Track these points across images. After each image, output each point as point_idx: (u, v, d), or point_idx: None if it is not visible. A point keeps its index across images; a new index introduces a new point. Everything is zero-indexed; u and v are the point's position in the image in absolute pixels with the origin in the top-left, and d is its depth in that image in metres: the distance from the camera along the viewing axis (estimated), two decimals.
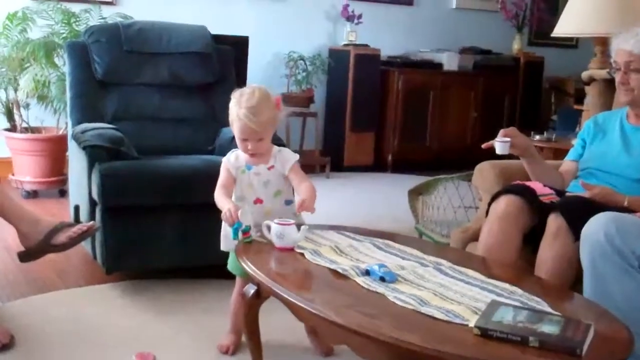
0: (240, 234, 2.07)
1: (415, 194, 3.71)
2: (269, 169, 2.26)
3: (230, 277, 2.36)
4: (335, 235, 2.22)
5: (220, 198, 2.19)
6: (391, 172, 6.18)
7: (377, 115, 6.17)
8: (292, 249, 2.03)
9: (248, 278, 2.09)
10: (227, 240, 2.24)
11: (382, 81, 6.14)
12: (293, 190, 2.31)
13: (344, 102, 6.04)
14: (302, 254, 2.00)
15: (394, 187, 5.37)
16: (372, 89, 6.06)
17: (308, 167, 5.73)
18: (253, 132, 2.19)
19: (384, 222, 4.23)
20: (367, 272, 1.84)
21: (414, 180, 4.15)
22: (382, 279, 1.79)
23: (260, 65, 5.81)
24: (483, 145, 2.43)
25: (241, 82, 4.93)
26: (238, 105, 2.19)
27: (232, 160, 2.28)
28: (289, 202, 2.30)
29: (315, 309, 1.62)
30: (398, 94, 6.16)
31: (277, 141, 3.42)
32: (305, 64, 5.89)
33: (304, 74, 5.89)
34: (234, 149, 2.32)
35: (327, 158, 5.85)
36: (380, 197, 5.18)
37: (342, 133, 6.07)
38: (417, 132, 6.32)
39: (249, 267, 1.89)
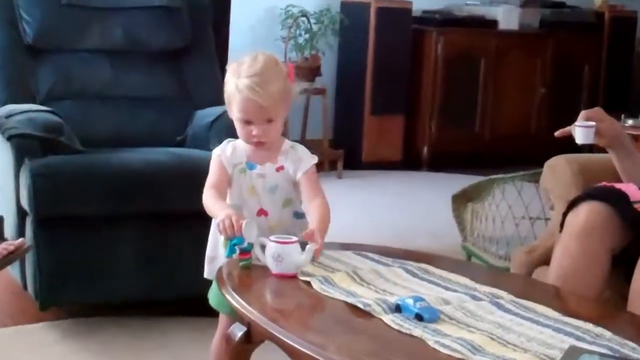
0: (236, 253, 2.07)
1: (461, 200, 3.72)
2: (277, 169, 2.24)
3: (210, 313, 2.36)
4: (352, 258, 2.22)
5: (212, 201, 2.17)
6: (427, 171, 6.18)
7: (408, 93, 6.17)
8: (294, 276, 2.03)
9: (236, 316, 2.09)
10: (214, 263, 2.24)
11: (415, 46, 6.15)
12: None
13: (362, 75, 6.05)
14: (309, 283, 2.00)
15: (432, 191, 5.38)
16: (401, 57, 6.07)
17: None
18: (259, 110, 2.15)
19: (418, 239, 4.23)
20: (398, 308, 1.84)
21: (459, 182, 4.16)
22: (419, 317, 1.79)
23: (248, 24, 5.83)
24: (557, 133, 2.43)
25: (221, 47, 4.95)
26: (237, 75, 2.16)
27: (227, 154, 2.24)
28: (299, 216, 2.29)
29: (328, 358, 1.62)
30: (436, 63, 6.17)
31: None
32: (308, 22, 5.90)
33: (307, 36, 5.90)
34: (229, 139, 2.28)
35: (340, 151, 5.86)
36: (412, 204, 5.18)
37: (360, 117, 6.08)
38: (462, 115, 6.32)
39: (236, 301, 1.89)
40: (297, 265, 2.04)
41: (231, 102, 2.19)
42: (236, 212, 2.10)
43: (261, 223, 2.20)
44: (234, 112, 2.19)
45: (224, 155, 2.23)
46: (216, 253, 2.23)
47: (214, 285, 2.25)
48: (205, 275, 2.27)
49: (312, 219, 2.16)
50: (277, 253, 2.03)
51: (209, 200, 2.18)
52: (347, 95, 6.20)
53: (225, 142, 2.27)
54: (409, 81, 6.15)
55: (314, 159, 2.26)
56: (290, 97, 2.24)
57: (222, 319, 2.33)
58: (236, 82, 2.15)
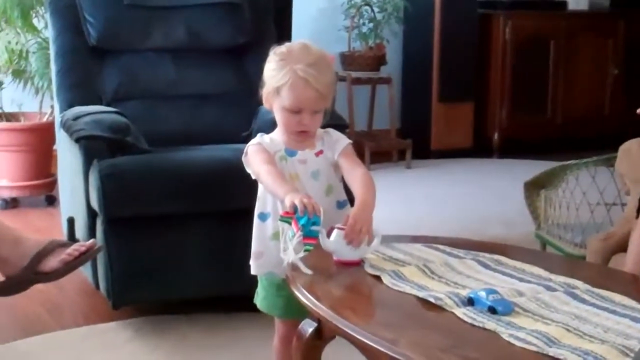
0: (302, 235, 1.97)
1: (534, 187, 3.67)
2: (316, 154, 2.25)
3: None
4: (423, 250, 2.21)
5: (274, 179, 2.12)
6: (499, 157, 6.14)
7: (476, 79, 6.13)
8: (357, 263, 2.05)
9: (291, 320, 2.10)
10: (262, 259, 2.23)
11: (482, 30, 6.11)
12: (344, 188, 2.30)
13: (429, 62, 6.02)
14: (379, 278, 2.00)
15: (504, 179, 5.34)
16: (468, 42, 6.03)
17: (382, 154, 5.75)
18: (313, 99, 2.14)
19: (491, 229, 4.21)
20: (471, 301, 1.83)
21: (531, 168, 4.11)
22: (492, 310, 1.78)
23: (309, 15, 5.84)
24: (639, 111, 2.39)
25: (284, 41, 4.96)
26: (289, 61, 2.14)
27: (266, 141, 2.24)
28: (342, 204, 2.29)
29: (400, 353, 1.62)
30: (505, 47, 6.12)
31: (338, 120, 3.46)
32: (372, 10, 5.89)
33: (371, 25, 5.89)
34: (260, 134, 2.28)
35: (408, 141, 5.85)
36: (484, 193, 5.15)
37: (428, 105, 6.06)
38: (533, 99, 6.26)
39: (305, 297, 1.90)
40: (360, 253, 2.05)
41: (280, 90, 2.15)
42: (305, 193, 2.07)
43: None
44: (283, 100, 2.15)
45: (264, 143, 2.23)
46: (263, 248, 2.22)
47: (261, 289, 2.29)
48: (253, 271, 2.26)
49: (356, 189, 2.17)
50: (342, 240, 2.04)
51: (269, 177, 2.13)
52: (413, 84, 6.18)
53: (257, 136, 2.27)
54: (477, 67, 6.11)
55: (348, 140, 2.28)
56: (335, 89, 2.26)
57: (279, 324, 2.33)
58: (293, 69, 2.12)
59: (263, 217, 2.23)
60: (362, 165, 2.27)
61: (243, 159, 2.24)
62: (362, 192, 2.15)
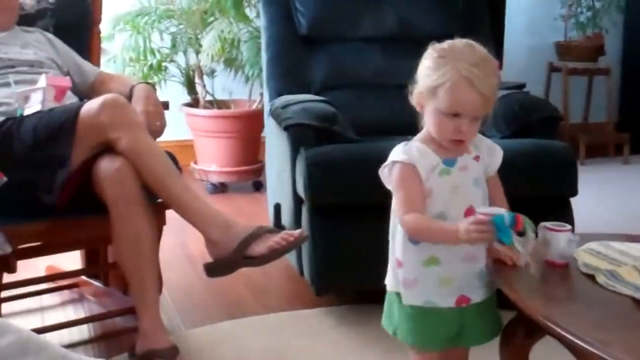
0: (511, 233, 1.83)
1: None
2: (475, 159, 2.02)
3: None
4: (639, 250, 2.14)
5: (431, 227, 1.93)
6: None
7: None
8: (565, 265, 2.00)
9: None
10: (417, 288, 2.00)
11: None
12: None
13: None
14: (593, 277, 1.95)
15: None
16: None
17: (597, 148, 5.58)
18: (475, 103, 1.90)
19: None
20: None
21: None
22: None
23: (525, 4, 5.74)
24: None
25: (498, 30, 4.91)
26: (450, 59, 1.92)
27: (416, 156, 1.97)
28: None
29: (613, 355, 1.57)
30: None
31: (553, 112, 3.37)
32: None
33: (589, 13, 5.73)
34: (404, 142, 2.02)
35: (626, 135, 5.66)
36: None
37: None
38: None
39: (516, 294, 1.87)
40: (561, 255, 2.02)
41: (437, 89, 1.92)
42: (465, 221, 1.86)
43: None
44: (440, 102, 1.91)
45: (414, 160, 1.96)
46: (417, 274, 1.99)
47: (405, 319, 2.03)
48: (406, 301, 2.01)
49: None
50: (546, 239, 2.02)
51: (426, 230, 1.94)
52: (634, 75, 5.96)
53: (400, 146, 2.01)
54: None
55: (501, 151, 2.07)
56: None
57: (422, 354, 2.08)
58: (455, 67, 1.90)
59: (415, 239, 1.99)
60: (504, 195, 2.08)
61: (382, 172, 2.03)
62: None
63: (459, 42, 1.98)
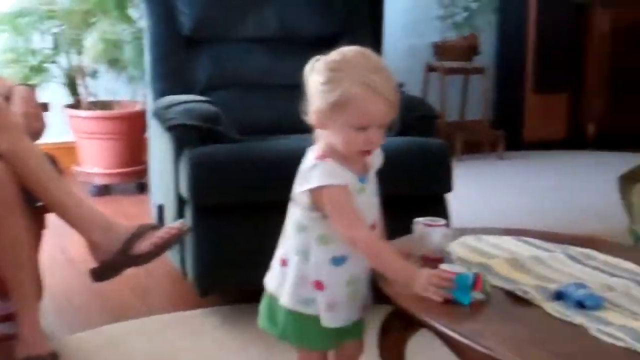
0: (469, 293, 1.82)
1: (629, 181, 3.60)
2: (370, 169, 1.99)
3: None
4: (512, 243, 2.20)
5: (388, 252, 1.89)
6: (594, 150, 6.04)
7: (572, 70, 6.03)
8: (438, 260, 2.02)
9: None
10: (336, 311, 1.94)
11: (579, 19, 6.01)
12: None
13: (523, 52, 5.96)
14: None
15: (598, 172, 5.25)
16: (564, 32, 5.95)
17: (473, 144, 5.71)
18: (384, 110, 1.84)
19: (583, 223, 4.14)
20: (560, 296, 1.81)
21: (626, 161, 4.03)
22: (581, 305, 1.76)
23: (403, 6, 5.83)
24: None
25: (376, 31, 4.97)
26: (347, 71, 1.83)
27: (343, 176, 1.88)
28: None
29: (486, 346, 1.62)
30: (603, 37, 6.01)
31: (429, 111, 3.45)
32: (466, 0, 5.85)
33: (465, 14, 5.85)
34: (315, 163, 1.90)
35: (500, 132, 5.80)
36: (577, 185, 5.08)
37: (521, 96, 6.00)
38: (631, 91, 6.13)
39: (391, 289, 1.90)
40: (434, 249, 2.06)
41: (342, 105, 1.82)
42: (427, 267, 1.86)
43: None
44: (348, 117, 1.82)
45: (343, 179, 1.88)
46: (339, 297, 1.93)
47: (291, 322, 1.98)
48: (327, 324, 1.94)
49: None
50: (421, 234, 2.07)
51: (383, 248, 1.91)
52: (507, 74, 6.12)
53: (320, 166, 1.89)
54: (572, 57, 6.01)
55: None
56: None
57: (307, 352, 2.05)
58: (358, 79, 1.81)
59: (338, 261, 1.92)
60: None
61: (310, 190, 1.90)
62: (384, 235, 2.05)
63: (348, 51, 1.89)
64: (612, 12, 5.99)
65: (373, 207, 1.98)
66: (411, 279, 1.83)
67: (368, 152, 1.90)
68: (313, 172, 1.89)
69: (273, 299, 2.03)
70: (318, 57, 1.90)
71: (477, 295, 1.83)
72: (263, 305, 2.08)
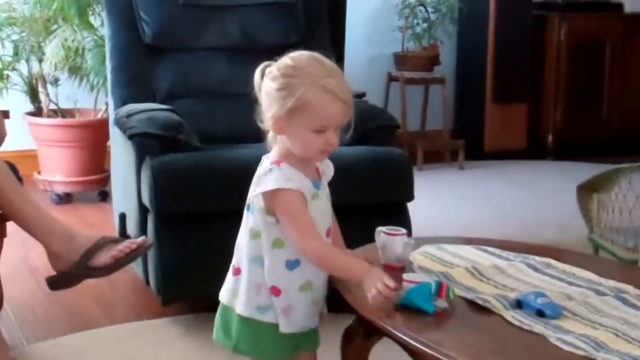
0: (435, 298, 1.83)
1: (587, 190, 3.64)
2: (322, 173, 2.00)
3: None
4: (472, 252, 2.21)
5: (337, 256, 1.92)
6: (552, 160, 6.10)
7: (531, 80, 6.09)
8: (400, 268, 2.04)
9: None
10: (292, 315, 1.94)
11: (537, 31, 6.07)
12: None
13: (483, 63, 6.00)
14: None
15: (557, 181, 5.29)
16: (523, 43, 5.99)
17: (434, 154, 5.73)
18: (342, 112, 1.86)
19: (542, 232, 4.17)
20: (519, 304, 1.82)
21: (585, 171, 4.07)
22: (540, 314, 1.77)
23: (363, 16, 5.84)
24: None
25: (338, 40, 4.98)
26: (303, 77, 1.84)
27: (298, 181, 1.88)
28: None
29: (446, 355, 1.62)
30: (560, 48, 6.08)
31: (390, 120, 3.46)
32: (426, 11, 5.88)
33: (425, 25, 5.88)
34: (271, 167, 1.89)
35: (461, 141, 5.83)
36: (537, 195, 5.11)
37: (481, 106, 6.03)
38: (588, 101, 6.21)
39: (353, 298, 1.90)
40: (396, 258, 2.07)
41: (299, 110, 1.83)
42: (381, 272, 1.83)
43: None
44: (307, 122, 1.83)
45: (299, 184, 1.88)
46: (293, 302, 1.92)
47: (246, 334, 1.97)
48: (283, 329, 1.93)
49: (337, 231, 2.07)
50: (383, 244, 2.07)
51: (332, 254, 1.92)
52: (467, 84, 6.16)
53: (275, 170, 1.88)
54: (531, 68, 6.07)
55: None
56: None
57: None
58: (314, 83, 1.82)
59: (292, 265, 1.92)
60: None
61: (265, 194, 1.88)
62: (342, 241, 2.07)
63: (300, 56, 1.90)
64: (569, 24, 6.05)
65: (327, 213, 1.98)
66: (362, 275, 1.84)
67: (326, 152, 1.90)
68: (269, 175, 1.88)
69: (227, 311, 2.02)
70: (267, 63, 1.92)
71: (441, 303, 1.83)
72: (217, 317, 2.06)
